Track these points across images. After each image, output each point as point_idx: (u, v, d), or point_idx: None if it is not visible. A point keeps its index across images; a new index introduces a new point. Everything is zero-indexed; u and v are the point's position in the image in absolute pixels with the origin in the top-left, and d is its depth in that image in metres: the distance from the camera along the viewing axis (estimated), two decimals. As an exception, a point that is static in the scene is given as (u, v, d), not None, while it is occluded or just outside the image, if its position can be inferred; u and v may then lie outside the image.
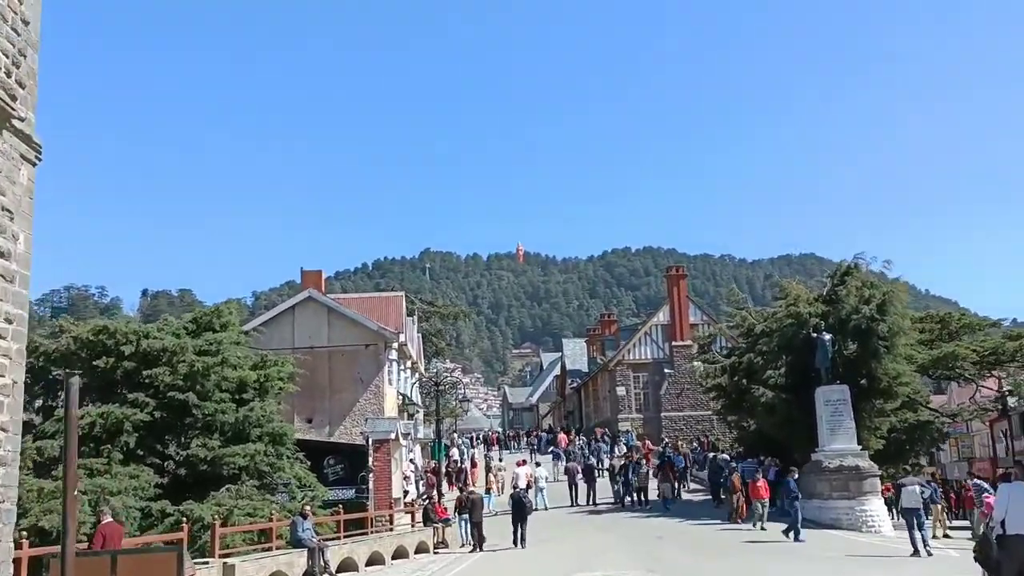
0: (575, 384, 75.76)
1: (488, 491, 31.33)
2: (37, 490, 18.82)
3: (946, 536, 25.45)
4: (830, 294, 31.48)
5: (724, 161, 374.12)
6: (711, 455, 37.63)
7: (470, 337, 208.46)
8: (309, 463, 25.57)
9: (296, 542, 19.67)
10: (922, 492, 22.59)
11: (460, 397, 45.31)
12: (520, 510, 25.90)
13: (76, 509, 7.32)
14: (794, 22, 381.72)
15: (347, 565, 21.34)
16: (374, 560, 22.73)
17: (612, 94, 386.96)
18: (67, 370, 7.76)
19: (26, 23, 7.76)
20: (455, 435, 57.86)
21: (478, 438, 65.53)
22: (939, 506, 24.04)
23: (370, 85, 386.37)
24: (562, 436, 57.18)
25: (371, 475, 29.56)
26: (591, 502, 34.54)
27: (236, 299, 29.48)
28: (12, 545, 7.25)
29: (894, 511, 27.73)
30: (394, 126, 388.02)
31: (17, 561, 13.04)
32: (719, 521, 27.36)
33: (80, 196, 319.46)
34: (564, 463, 42.66)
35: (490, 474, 36.03)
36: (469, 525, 25.76)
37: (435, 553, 25.93)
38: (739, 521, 26.30)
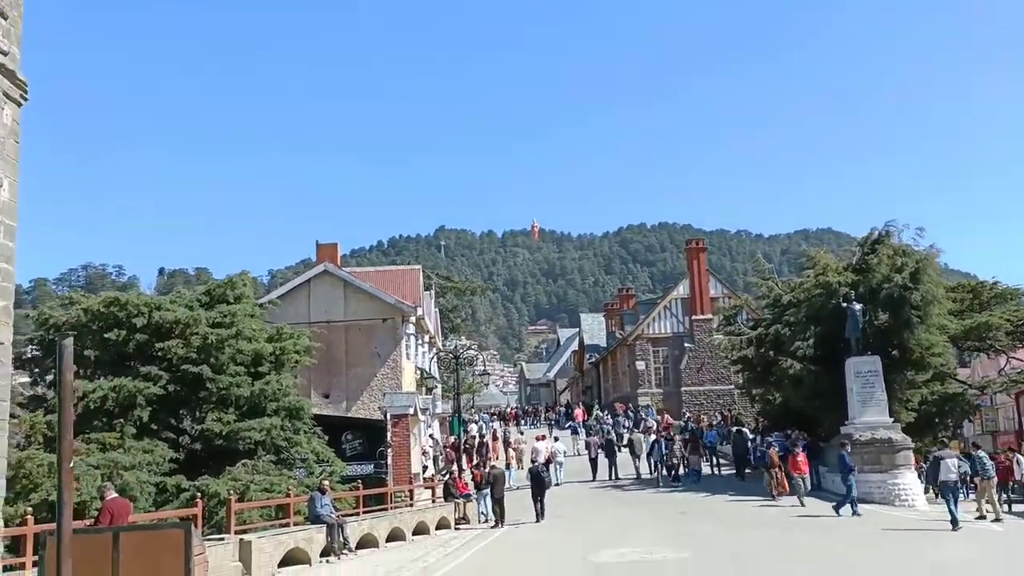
0: (593, 359, 75.08)
1: (508, 466, 30.68)
2: (48, 464, 18.31)
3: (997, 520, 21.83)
4: (860, 263, 30.53)
5: (738, 136, 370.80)
6: (734, 429, 36.83)
7: (486, 314, 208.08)
8: (327, 438, 25.04)
9: (314, 518, 19.10)
10: (959, 465, 21.80)
11: (480, 371, 44.57)
12: (540, 485, 25.46)
13: (71, 481, 6.66)
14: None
15: (367, 541, 20.78)
16: (395, 536, 22.17)
17: (625, 68, 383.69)
18: (58, 332, 7.01)
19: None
20: (473, 410, 57.36)
21: (495, 414, 65.08)
22: (990, 480, 22.82)
23: (385, 61, 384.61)
24: (578, 411, 56.80)
25: (390, 450, 29.02)
26: (612, 477, 33.90)
27: (253, 277, 28.74)
28: (1, 521, 6.51)
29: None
30: (409, 102, 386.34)
31: (23, 538, 12.50)
32: (749, 496, 26.49)
33: (97, 175, 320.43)
34: (583, 438, 42.13)
35: (510, 449, 35.40)
36: (491, 501, 25.12)
37: (456, 529, 25.36)
38: (777, 496, 25.39)
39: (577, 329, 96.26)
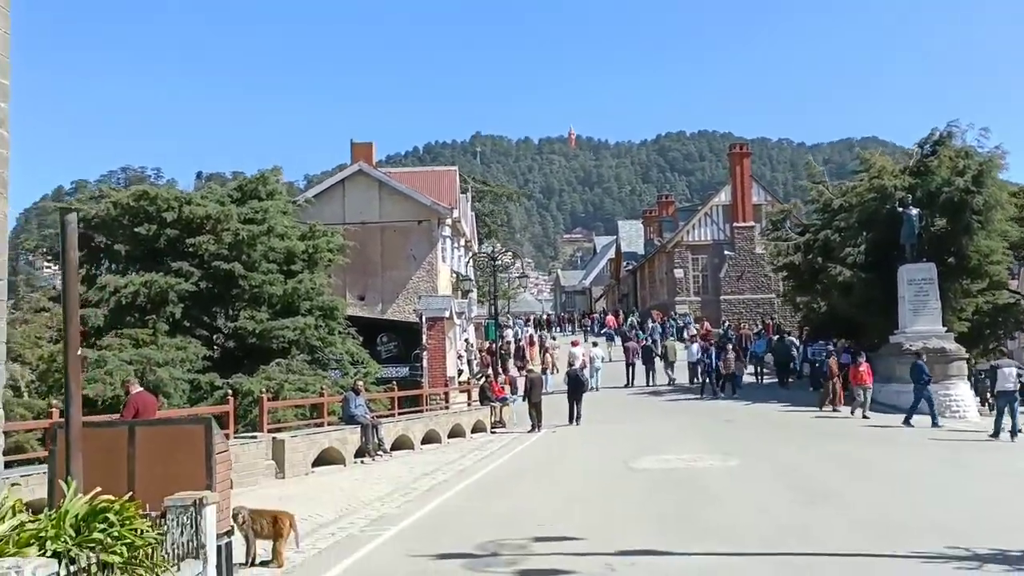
0: (630, 267, 74.04)
1: (545, 371, 30.20)
2: (80, 359, 18.00)
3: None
4: (918, 165, 29.01)
5: (780, 41, 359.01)
6: (775, 338, 35.96)
7: (521, 222, 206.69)
8: (361, 339, 24.63)
9: (348, 418, 18.75)
10: (1019, 375, 20.88)
11: (519, 273, 43.91)
12: (576, 388, 25.20)
13: (79, 370, 6.04)
14: None
15: (402, 443, 20.47)
16: (430, 438, 21.85)
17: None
18: (61, 207, 6.23)
19: None
20: (508, 316, 57.02)
21: (530, 320, 64.75)
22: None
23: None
24: (610, 318, 56.28)
25: (425, 353, 28.61)
26: (650, 384, 33.41)
27: (288, 182, 27.94)
28: (1, 412, 5.89)
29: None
30: (443, 5, 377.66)
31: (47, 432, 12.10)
32: (799, 406, 25.61)
33: (138, 77, 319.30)
34: (619, 344, 41.67)
35: (546, 354, 34.94)
36: (528, 404, 24.68)
37: (492, 433, 25.05)
38: (834, 408, 24.47)
39: (614, 237, 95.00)
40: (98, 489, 5.68)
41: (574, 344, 35.32)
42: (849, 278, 27.86)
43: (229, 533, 7.41)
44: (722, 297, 57.62)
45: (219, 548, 6.87)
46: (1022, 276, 54.31)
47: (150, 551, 5.60)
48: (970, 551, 8.34)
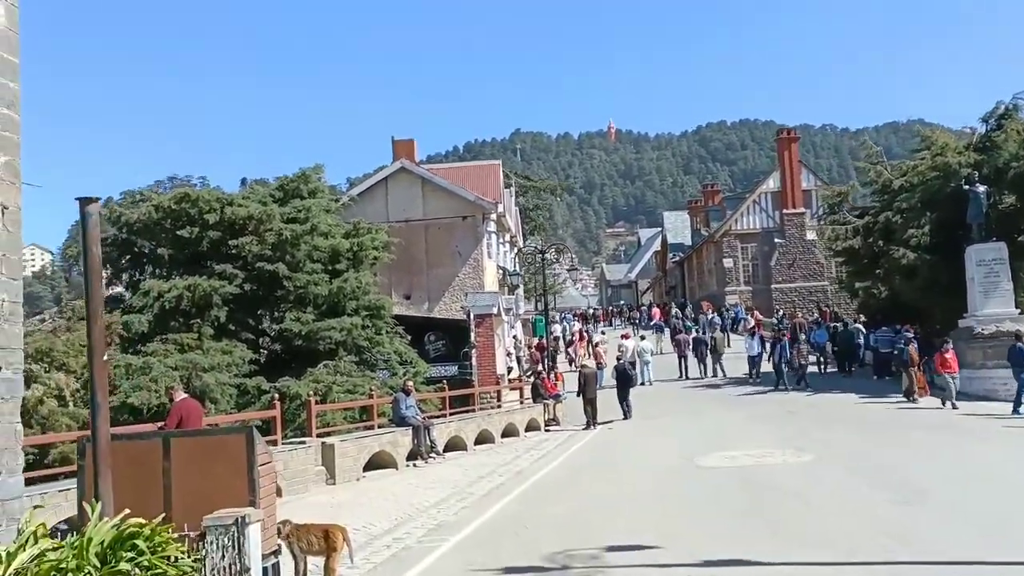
0: (677, 258, 72.81)
1: (600, 366, 29.34)
2: (125, 366, 17.67)
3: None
4: (983, 141, 27.64)
5: (821, 27, 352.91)
6: (836, 325, 34.67)
7: (563, 217, 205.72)
8: (409, 339, 24.05)
9: (399, 420, 18.13)
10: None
11: (569, 266, 43.10)
12: (626, 382, 24.58)
13: (105, 377, 5.40)
14: None
15: (455, 444, 19.82)
16: (483, 439, 21.18)
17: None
18: (81, 197, 5.54)
19: None
20: (554, 312, 56.18)
21: (578, 315, 63.94)
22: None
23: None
24: (656, 310, 55.41)
25: (474, 351, 27.99)
26: (704, 376, 32.42)
27: (332, 185, 27.26)
28: (19, 427, 5.25)
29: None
30: (477, 4, 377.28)
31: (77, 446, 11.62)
32: (873, 397, 24.28)
33: (182, 87, 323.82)
34: (669, 336, 40.77)
35: (597, 348, 34.09)
36: (582, 401, 23.89)
37: (546, 431, 24.32)
38: (916, 398, 23.13)
39: (658, 229, 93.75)
40: (126, 512, 5.05)
41: (624, 337, 34.48)
42: (913, 261, 26.65)
43: (276, 552, 6.78)
44: (773, 286, 56.26)
45: (265, 570, 6.23)
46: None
47: (186, 580, 4.96)
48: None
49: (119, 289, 22.89)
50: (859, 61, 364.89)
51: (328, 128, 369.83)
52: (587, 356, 32.96)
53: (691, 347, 34.48)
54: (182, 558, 5.06)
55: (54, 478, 12.38)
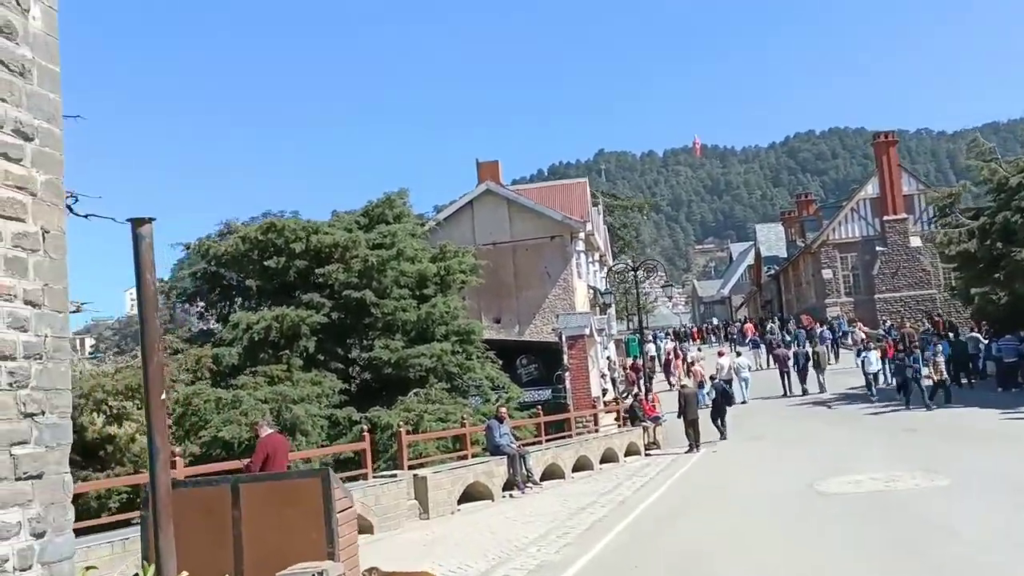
0: (772, 271, 70.50)
1: (700, 384, 28.07)
2: (215, 400, 17.39)
3: None
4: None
5: (908, 28, 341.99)
6: (952, 335, 32.53)
7: (650, 236, 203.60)
8: (500, 363, 23.32)
9: (493, 448, 17.35)
10: None
11: (664, 282, 41.80)
12: (723, 402, 23.85)
13: (164, 417, 4.73)
14: None
15: (552, 472, 18.93)
16: (581, 465, 20.24)
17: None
18: (133, 219, 4.89)
19: None
20: (647, 331, 54.84)
21: (670, 334, 62.42)
22: None
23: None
24: (748, 326, 53.72)
25: (567, 374, 27.09)
26: (805, 392, 30.77)
27: (419, 215, 26.83)
28: (68, 478, 4.58)
29: None
30: (564, 25, 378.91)
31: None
32: (1006, 410, 22.27)
33: (276, 128, 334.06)
34: (764, 352, 39.24)
35: (695, 366, 32.81)
36: (683, 422, 22.74)
37: (647, 455, 23.23)
38: None
39: (750, 243, 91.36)
40: (184, 575, 4.36)
41: (720, 355, 33.15)
42: (1038, 262, 24.74)
43: (362, 609, 6.07)
44: (876, 296, 53.71)
45: (350, 630, 5.51)
46: None
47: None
48: None
49: (210, 324, 22.86)
50: (953, 62, 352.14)
51: (412, 159, 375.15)
52: (686, 375, 31.72)
53: (792, 362, 32.88)
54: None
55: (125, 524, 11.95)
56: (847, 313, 52.27)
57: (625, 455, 22.56)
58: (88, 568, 5.48)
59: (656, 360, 41.11)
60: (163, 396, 5.01)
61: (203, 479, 7.74)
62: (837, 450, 18.22)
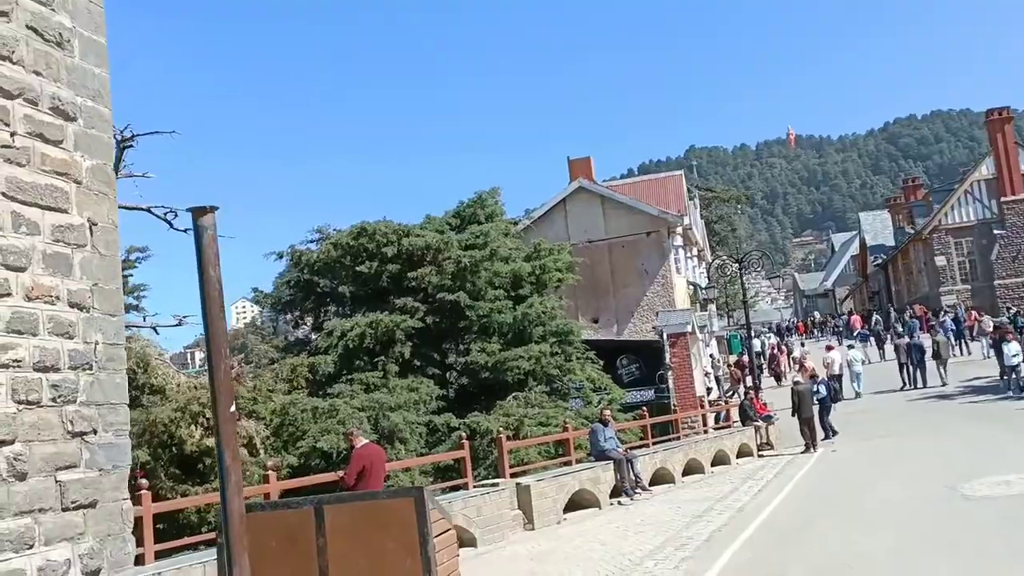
0: (879, 261, 67.52)
1: (813, 378, 26.50)
2: (312, 409, 17.01)
3: None
4: None
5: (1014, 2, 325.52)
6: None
7: (746, 231, 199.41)
8: (601, 364, 22.45)
9: (599, 453, 16.48)
10: None
11: (767, 273, 40.38)
12: (830, 399, 22.82)
13: (234, 433, 4.08)
14: None
15: (661, 477, 17.94)
16: (691, 469, 19.19)
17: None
18: (193, 208, 4.24)
19: None
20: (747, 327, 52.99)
21: (771, 328, 60.43)
22: None
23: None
24: (855, 318, 51.74)
25: (670, 373, 26.02)
26: (925, 386, 28.86)
27: (511, 220, 26.20)
28: (127, 504, 3.94)
29: None
30: (641, 26, 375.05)
31: (264, 496, 10.67)
32: None
33: (347, 140, 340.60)
34: (875, 344, 37.31)
35: (805, 361, 31.18)
36: (798, 421, 21.43)
37: (760, 456, 21.99)
38: None
39: (853, 233, 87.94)
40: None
41: (828, 349, 31.51)
42: None
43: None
44: (996, 282, 50.76)
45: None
46: None
47: None
48: None
49: (306, 332, 22.67)
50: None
51: (503, 162, 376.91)
52: (797, 371, 30.20)
53: (910, 354, 30.93)
54: None
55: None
56: (964, 301, 49.49)
57: (737, 457, 21.38)
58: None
59: (762, 356, 39.48)
60: (232, 408, 4.36)
61: (282, 501, 7.12)
62: (972, 447, 16.73)
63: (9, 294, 3.64)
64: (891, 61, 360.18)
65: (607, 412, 17.62)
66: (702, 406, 25.71)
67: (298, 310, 22.13)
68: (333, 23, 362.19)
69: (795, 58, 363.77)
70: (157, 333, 18.95)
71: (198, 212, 4.56)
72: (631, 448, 18.03)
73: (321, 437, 16.43)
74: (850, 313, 63.69)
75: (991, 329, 33.34)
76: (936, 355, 30.18)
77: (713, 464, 20.11)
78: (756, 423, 23.03)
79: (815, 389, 22.36)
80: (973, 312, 44.16)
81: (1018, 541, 9.28)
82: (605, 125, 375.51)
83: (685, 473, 18.88)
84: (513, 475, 14.69)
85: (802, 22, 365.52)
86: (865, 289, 75.42)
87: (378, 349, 19.22)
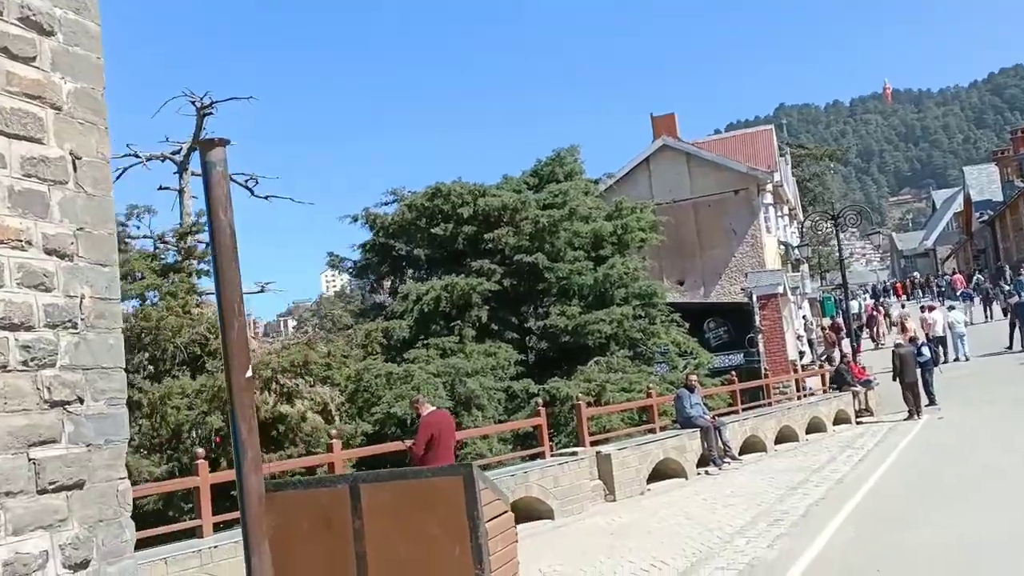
0: (985, 218, 63.96)
1: (913, 340, 25.01)
2: (386, 375, 16.54)
3: None
4: None
5: None
6: None
7: (839, 190, 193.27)
8: (687, 327, 21.50)
9: (684, 421, 15.62)
10: None
11: (868, 231, 38.33)
12: (928, 362, 21.14)
13: (251, 402, 3.43)
14: None
15: (752, 445, 17.00)
16: (784, 436, 18.15)
17: None
18: (201, 141, 3.59)
19: None
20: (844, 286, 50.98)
21: (867, 290, 58.11)
22: None
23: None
24: (957, 277, 49.53)
25: (760, 336, 24.89)
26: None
27: (592, 180, 25.23)
28: (123, 485, 3.29)
29: None
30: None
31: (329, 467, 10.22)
32: None
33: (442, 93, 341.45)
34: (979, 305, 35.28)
35: (906, 321, 29.55)
36: (901, 386, 20.13)
37: (858, 424, 20.77)
38: None
39: (956, 189, 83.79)
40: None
41: (929, 310, 29.83)
42: None
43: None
44: (1119, 238, 47.44)
45: None
46: None
47: None
48: None
49: (383, 297, 22.29)
50: None
51: (580, 125, 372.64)
52: (900, 333, 28.64)
53: (1017, 313, 29.05)
54: None
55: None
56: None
57: (833, 424, 20.22)
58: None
59: (859, 318, 37.79)
60: (248, 374, 3.74)
61: (315, 479, 6.54)
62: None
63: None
64: (996, 6, 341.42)
65: (693, 377, 16.71)
66: (795, 370, 24.47)
67: (374, 274, 21.73)
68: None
69: (891, 7, 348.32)
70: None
71: (206, 145, 3.94)
72: (719, 415, 17.12)
73: (395, 403, 15.96)
74: (953, 272, 60.69)
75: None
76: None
77: (808, 432, 19.02)
78: (854, 388, 21.76)
79: (918, 352, 20.99)
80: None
81: None
82: (691, 85, 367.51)
83: (778, 441, 17.87)
84: (594, 443, 13.99)
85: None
86: (970, 247, 71.74)
87: (454, 313, 18.67)
